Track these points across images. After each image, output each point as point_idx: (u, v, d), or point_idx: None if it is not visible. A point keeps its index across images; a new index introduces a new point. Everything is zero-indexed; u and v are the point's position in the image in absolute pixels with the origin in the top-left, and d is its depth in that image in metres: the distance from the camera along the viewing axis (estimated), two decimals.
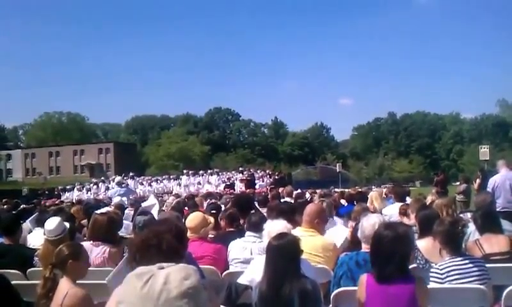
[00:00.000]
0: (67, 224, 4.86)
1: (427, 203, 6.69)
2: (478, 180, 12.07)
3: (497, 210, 7.50)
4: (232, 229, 5.63)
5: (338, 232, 5.17)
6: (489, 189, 8.48)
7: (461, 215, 6.10)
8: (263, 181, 28.64)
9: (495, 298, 3.52)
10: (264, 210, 6.71)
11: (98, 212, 5.87)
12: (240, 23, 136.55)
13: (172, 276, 1.33)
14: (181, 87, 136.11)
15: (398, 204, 7.17)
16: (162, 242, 2.53)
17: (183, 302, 1.29)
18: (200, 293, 1.35)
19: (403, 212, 6.36)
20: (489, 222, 4.45)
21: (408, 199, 8.62)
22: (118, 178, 17.73)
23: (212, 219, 5.18)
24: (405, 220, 5.89)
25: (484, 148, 21.20)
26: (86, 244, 4.43)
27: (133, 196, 12.54)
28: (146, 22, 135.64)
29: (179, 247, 2.69)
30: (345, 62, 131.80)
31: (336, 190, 18.29)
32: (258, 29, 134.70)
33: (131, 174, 32.23)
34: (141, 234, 3.01)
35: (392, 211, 7.01)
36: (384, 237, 3.05)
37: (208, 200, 10.75)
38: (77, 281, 3.36)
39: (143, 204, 8.77)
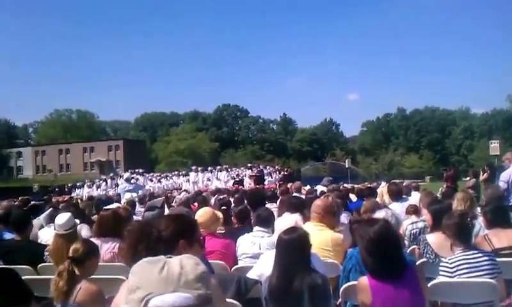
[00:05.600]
0: (77, 220, 4.89)
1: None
2: (485, 174, 11.89)
3: (509, 204, 7.37)
4: (242, 225, 5.64)
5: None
6: (503, 182, 8.29)
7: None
8: (272, 177, 28.71)
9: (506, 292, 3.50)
10: (272, 206, 6.70)
11: (106, 208, 5.90)
12: (248, 20, 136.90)
13: (185, 262, 1.43)
14: (190, 84, 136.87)
15: (397, 204, 7.05)
16: (151, 235, 2.57)
17: (199, 285, 1.39)
18: (209, 278, 1.47)
19: (412, 211, 6.20)
20: (498, 216, 4.40)
21: (417, 194, 8.55)
22: (126, 175, 17.84)
23: (221, 215, 5.19)
24: (413, 217, 5.83)
25: (494, 143, 20.93)
26: (96, 240, 4.45)
27: (142, 192, 12.56)
28: (155, 19, 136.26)
29: (176, 240, 2.70)
30: (354, 58, 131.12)
31: (345, 186, 18.25)
32: (267, 25, 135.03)
33: (141, 170, 32.42)
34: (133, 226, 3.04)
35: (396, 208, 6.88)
36: (374, 236, 3.02)
37: (217, 195, 10.77)
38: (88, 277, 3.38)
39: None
